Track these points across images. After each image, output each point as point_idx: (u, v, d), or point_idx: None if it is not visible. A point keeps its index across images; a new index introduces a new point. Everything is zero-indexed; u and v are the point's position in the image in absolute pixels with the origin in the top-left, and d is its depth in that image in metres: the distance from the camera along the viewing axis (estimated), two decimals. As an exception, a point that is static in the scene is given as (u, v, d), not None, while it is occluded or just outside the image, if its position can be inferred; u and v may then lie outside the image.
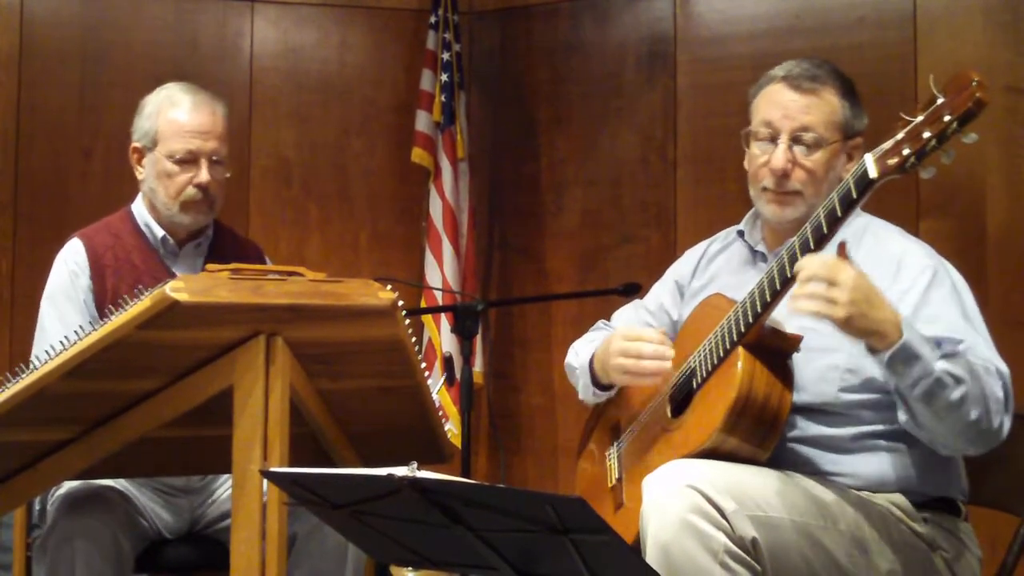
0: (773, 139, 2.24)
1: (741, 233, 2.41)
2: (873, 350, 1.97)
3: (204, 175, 2.67)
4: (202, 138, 2.68)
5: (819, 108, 2.22)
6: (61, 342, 2.06)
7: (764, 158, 2.25)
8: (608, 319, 2.65)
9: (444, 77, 4.29)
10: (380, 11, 4.52)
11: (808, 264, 1.95)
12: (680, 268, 2.53)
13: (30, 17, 4.16)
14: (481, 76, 4.58)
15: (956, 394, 1.95)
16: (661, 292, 2.54)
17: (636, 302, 2.61)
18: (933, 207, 3.69)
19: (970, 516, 2.25)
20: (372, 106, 4.50)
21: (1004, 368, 2.05)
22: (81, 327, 2.08)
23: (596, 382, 2.45)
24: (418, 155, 4.32)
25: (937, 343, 2.00)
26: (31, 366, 2.08)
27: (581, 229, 4.37)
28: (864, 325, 1.93)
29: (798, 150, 2.22)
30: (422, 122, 4.33)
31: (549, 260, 4.43)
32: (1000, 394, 2.01)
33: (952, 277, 2.17)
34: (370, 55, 4.53)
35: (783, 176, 2.22)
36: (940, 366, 1.95)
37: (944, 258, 2.22)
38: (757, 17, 4.05)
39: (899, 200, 3.63)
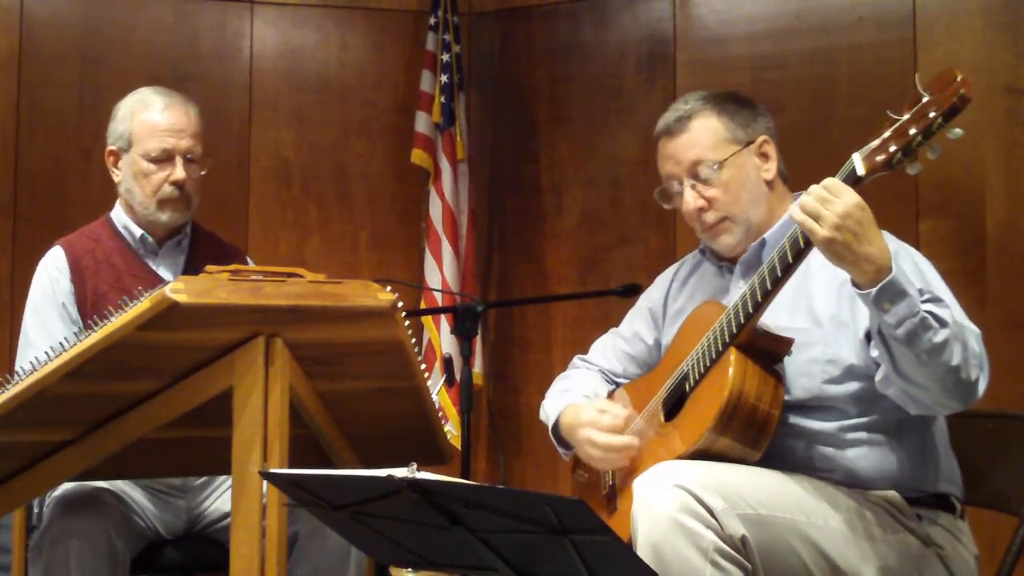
0: (680, 186, 2.35)
1: (704, 251, 2.48)
2: (857, 285, 1.96)
3: (180, 172, 2.72)
4: (176, 136, 2.73)
5: (696, 139, 2.32)
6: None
7: (683, 206, 2.35)
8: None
9: (444, 78, 4.30)
10: (380, 12, 4.52)
11: (814, 187, 1.96)
12: (652, 295, 2.59)
13: (30, 18, 4.16)
14: (480, 77, 4.59)
15: (939, 337, 1.94)
16: (635, 319, 2.60)
17: (612, 331, 2.66)
18: (932, 208, 3.69)
19: (970, 517, 2.25)
20: (372, 107, 4.50)
21: (977, 329, 2.05)
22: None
23: (562, 443, 2.50)
24: (418, 156, 4.32)
25: (919, 290, 2.00)
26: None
27: (580, 230, 4.37)
28: (844, 254, 1.92)
29: (701, 185, 2.32)
30: (422, 123, 4.33)
31: (549, 261, 4.43)
32: (977, 348, 2.02)
33: (914, 258, 2.19)
34: (370, 56, 4.53)
35: (700, 212, 2.33)
36: (925, 307, 1.95)
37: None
38: (756, 18, 4.05)
39: (898, 201, 3.63)
